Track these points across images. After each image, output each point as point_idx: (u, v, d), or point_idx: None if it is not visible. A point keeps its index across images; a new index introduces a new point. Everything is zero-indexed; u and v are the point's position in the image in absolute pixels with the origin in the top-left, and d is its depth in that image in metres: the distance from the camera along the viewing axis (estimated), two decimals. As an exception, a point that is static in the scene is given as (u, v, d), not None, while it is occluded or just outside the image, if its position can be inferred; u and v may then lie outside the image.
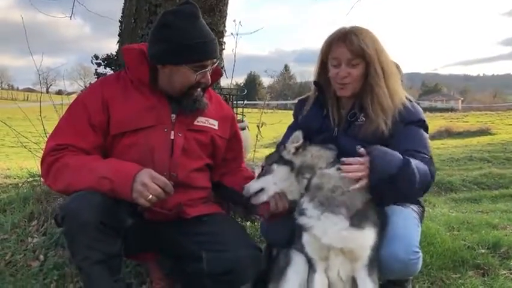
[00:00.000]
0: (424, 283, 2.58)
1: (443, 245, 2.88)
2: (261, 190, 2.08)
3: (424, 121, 2.20)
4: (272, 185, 2.07)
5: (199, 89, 2.14)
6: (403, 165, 1.91)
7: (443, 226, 3.42)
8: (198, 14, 2.07)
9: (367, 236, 1.94)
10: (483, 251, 2.91)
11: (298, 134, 2.07)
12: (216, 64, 2.18)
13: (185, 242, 2.09)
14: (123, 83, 2.14)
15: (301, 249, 2.10)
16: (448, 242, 2.94)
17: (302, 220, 1.98)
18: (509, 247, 2.96)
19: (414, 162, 1.96)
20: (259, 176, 2.12)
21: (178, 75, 2.06)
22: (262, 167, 2.13)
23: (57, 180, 1.94)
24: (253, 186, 2.11)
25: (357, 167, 1.91)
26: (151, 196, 1.80)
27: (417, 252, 2.05)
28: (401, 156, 1.93)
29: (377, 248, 1.98)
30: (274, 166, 2.07)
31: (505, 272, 2.69)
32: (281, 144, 2.42)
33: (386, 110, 2.10)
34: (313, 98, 2.35)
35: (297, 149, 2.05)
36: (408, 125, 2.14)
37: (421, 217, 2.30)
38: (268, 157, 2.17)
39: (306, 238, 2.02)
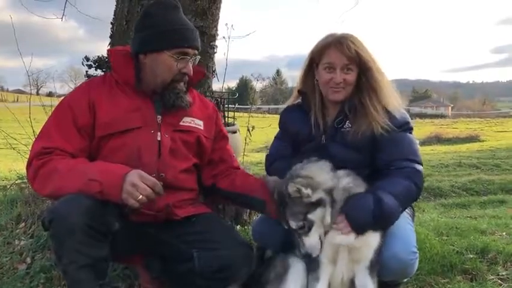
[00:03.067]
0: (413, 287, 2.58)
1: (432, 249, 2.88)
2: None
3: (409, 123, 2.20)
4: (320, 228, 1.96)
5: (182, 84, 2.13)
6: (375, 208, 1.91)
7: (432, 231, 3.44)
8: (178, 6, 2.13)
9: (373, 236, 1.98)
10: (471, 256, 2.92)
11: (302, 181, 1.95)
12: (198, 59, 2.18)
13: (174, 242, 2.08)
14: (109, 84, 2.14)
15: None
16: (437, 247, 2.95)
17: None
18: (497, 252, 2.97)
19: (390, 191, 1.97)
20: (303, 234, 1.95)
21: (160, 63, 2.07)
22: (299, 228, 1.94)
23: (45, 185, 1.91)
24: (314, 246, 1.95)
25: (341, 225, 1.94)
26: (140, 196, 1.78)
27: (416, 252, 2.10)
28: (371, 199, 1.93)
29: (379, 251, 2.00)
30: (311, 216, 1.93)
31: (492, 277, 2.70)
32: (270, 156, 2.42)
33: (380, 113, 2.11)
34: (298, 106, 2.35)
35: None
36: (394, 132, 2.13)
37: (412, 219, 2.33)
38: (291, 212, 1.95)
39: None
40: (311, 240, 1.96)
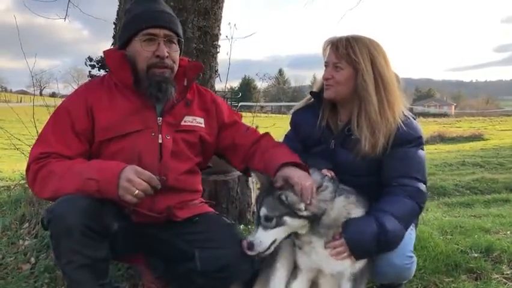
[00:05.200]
0: (417, 287, 2.58)
1: (437, 249, 2.88)
2: (272, 243, 1.89)
3: (420, 137, 2.13)
4: (283, 233, 1.89)
5: (162, 70, 2.05)
6: (379, 235, 1.88)
7: (436, 230, 3.43)
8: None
9: (355, 262, 1.94)
10: (476, 255, 2.91)
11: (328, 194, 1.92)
12: (178, 42, 2.12)
13: (176, 242, 2.07)
14: (107, 86, 2.10)
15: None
16: (441, 246, 2.94)
17: (309, 258, 1.99)
18: (502, 251, 2.97)
19: (393, 214, 1.94)
20: (263, 226, 1.87)
21: (134, 53, 2.05)
22: (265, 219, 1.86)
23: (44, 188, 1.90)
24: (264, 242, 1.87)
25: (340, 249, 1.90)
26: (137, 191, 1.76)
27: (411, 257, 2.06)
28: (374, 227, 1.89)
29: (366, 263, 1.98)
30: (287, 219, 1.85)
31: (497, 276, 2.69)
32: None
33: (373, 125, 2.05)
34: (311, 107, 2.32)
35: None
36: (403, 147, 2.08)
37: (416, 221, 2.31)
38: (270, 204, 1.87)
39: (303, 259, 2.02)
40: (266, 237, 1.87)
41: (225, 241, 2.03)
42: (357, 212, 1.98)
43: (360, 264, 1.96)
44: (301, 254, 2.02)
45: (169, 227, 2.08)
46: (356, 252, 1.89)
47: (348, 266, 1.94)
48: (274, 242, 1.89)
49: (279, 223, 1.86)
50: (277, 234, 1.88)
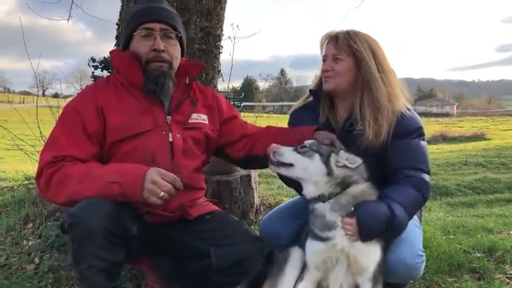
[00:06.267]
0: (420, 286, 2.58)
1: (439, 248, 2.88)
2: (289, 164, 2.01)
3: (421, 127, 2.15)
4: (301, 169, 1.99)
5: (159, 64, 2.05)
6: (387, 219, 1.90)
7: (439, 230, 3.43)
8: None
9: (373, 249, 1.96)
10: (479, 255, 2.91)
11: (359, 161, 1.97)
12: (178, 36, 2.13)
13: (190, 240, 2.06)
14: (115, 87, 2.10)
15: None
16: (444, 245, 2.94)
17: (323, 234, 1.97)
18: (505, 251, 2.97)
19: (399, 202, 1.95)
20: (297, 150, 2.01)
21: (136, 51, 2.06)
22: (306, 147, 2.00)
23: (60, 193, 1.86)
24: (286, 155, 2.01)
25: (349, 227, 1.92)
26: (162, 193, 1.76)
27: (422, 255, 2.07)
28: (386, 210, 1.91)
29: (382, 262, 1.98)
30: (317, 157, 1.97)
31: (500, 276, 2.69)
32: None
33: (376, 111, 2.08)
34: (308, 106, 2.33)
35: (346, 167, 1.97)
36: (406, 138, 2.10)
37: (420, 219, 2.31)
38: (314, 143, 2.03)
39: (315, 246, 2.01)
40: (288, 155, 2.00)
41: (238, 237, 2.05)
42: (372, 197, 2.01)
43: (377, 257, 1.96)
44: (324, 247, 1.99)
45: (181, 226, 2.08)
46: (363, 232, 1.90)
47: (366, 255, 1.94)
48: (290, 166, 2.00)
49: (309, 154, 1.98)
50: (297, 161, 1.99)
